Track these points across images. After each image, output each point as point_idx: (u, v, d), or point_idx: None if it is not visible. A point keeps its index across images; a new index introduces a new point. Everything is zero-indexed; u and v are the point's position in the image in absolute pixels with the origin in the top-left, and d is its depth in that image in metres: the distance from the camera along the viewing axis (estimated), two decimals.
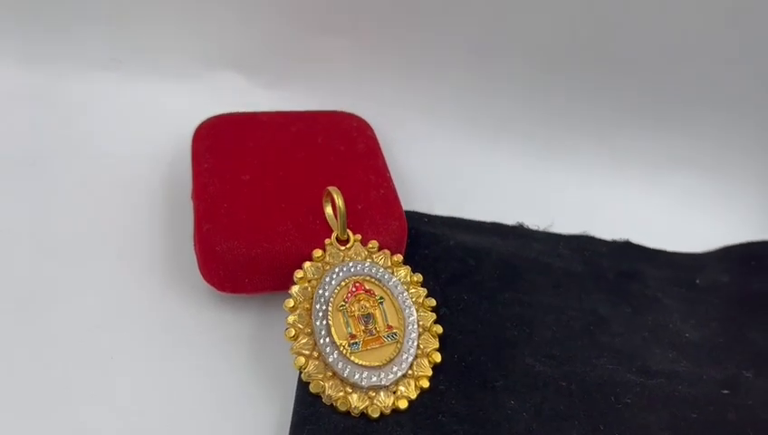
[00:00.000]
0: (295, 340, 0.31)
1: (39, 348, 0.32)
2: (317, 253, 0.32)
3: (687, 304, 0.38)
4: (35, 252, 0.36)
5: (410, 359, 0.31)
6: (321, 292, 0.31)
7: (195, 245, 0.34)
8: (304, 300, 0.31)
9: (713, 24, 0.39)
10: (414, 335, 0.32)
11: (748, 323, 0.37)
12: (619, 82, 0.42)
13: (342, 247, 0.33)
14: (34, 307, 0.34)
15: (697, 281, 0.39)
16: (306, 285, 0.32)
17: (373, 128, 0.40)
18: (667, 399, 0.32)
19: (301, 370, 0.30)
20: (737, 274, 0.39)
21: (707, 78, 0.41)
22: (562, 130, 0.43)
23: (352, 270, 0.32)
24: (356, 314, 0.31)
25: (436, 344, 0.32)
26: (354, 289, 0.32)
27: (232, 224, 0.33)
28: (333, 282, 0.32)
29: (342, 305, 0.31)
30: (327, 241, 0.33)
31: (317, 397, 0.30)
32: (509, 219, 0.41)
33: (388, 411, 0.30)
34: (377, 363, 0.31)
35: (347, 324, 0.31)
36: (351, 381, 0.30)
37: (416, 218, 0.38)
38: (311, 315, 0.31)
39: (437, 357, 0.32)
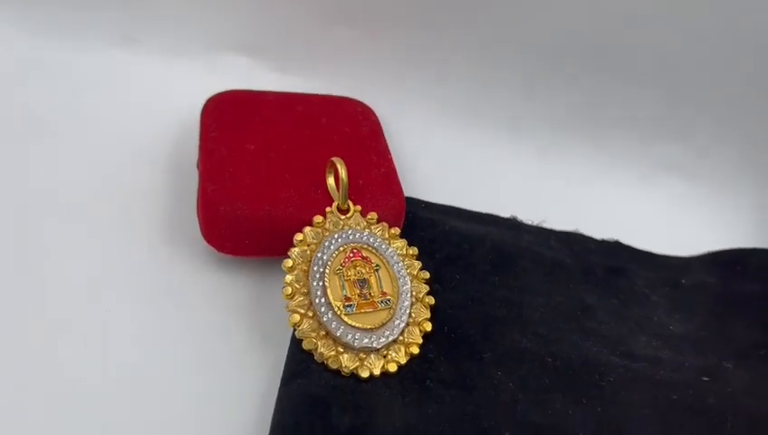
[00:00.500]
0: (291, 298, 0.31)
1: (36, 296, 0.33)
2: (317, 219, 0.33)
3: (673, 301, 0.39)
4: (40, 208, 0.37)
5: (402, 325, 0.32)
6: (319, 255, 0.32)
7: (198, 207, 0.35)
8: (302, 262, 0.32)
9: (707, 34, 0.41)
10: (407, 304, 0.32)
11: (730, 320, 0.38)
12: (618, 87, 0.43)
13: (343, 217, 0.34)
14: (35, 259, 0.35)
15: (683, 281, 0.40)
16: (305, 248, 0.33)
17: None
18: (648, 380, 0.32)
19: (295, 327, 0.31)
20: (722, 277, 0.40)
21: (701, 87, 0.42)
22: (560, 130, 0.45)
23: (351, 238, 0.33)
24: (352, 278, 0.32)
25: (428, 315, 0.33)
26: (352, 255, 0.33)
27: (236, 186, 0.34)
28: (332, 247, 0.33)
29: (339, 269, 0.32)
30: (328, 209, 0.34)
31: (309, 354, 0.31)
32: (503, 213, 0.42)
33: (377, 373, 0.31)
34: (369, 326, 0.31)
35: (342, 287, 0.32)
36: (344, 341, 0.31)
37: (414, 203, 0.39)
38: (308, 277, 0.32)
39: (428, 326, 0.33)
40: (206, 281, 0.35)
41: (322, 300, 0.31)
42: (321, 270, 0.32)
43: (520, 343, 0.33)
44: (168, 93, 0.44)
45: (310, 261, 0.32)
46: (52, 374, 0.31)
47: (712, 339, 0.36)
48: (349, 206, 0.34)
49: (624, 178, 0.45)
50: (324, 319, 0.31)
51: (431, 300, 0.33)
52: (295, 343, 0.31)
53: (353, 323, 0.31)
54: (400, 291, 0.33)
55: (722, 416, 0.32)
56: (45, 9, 0.45)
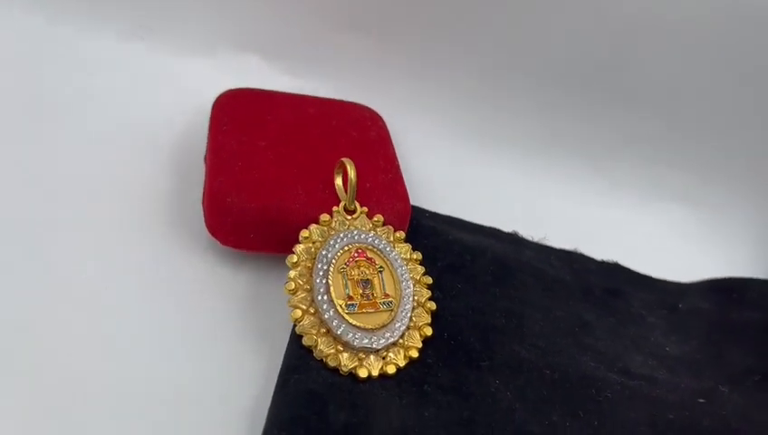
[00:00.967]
0: (294, 294, 0.31)
1: (35, 277, 0.33)
2: (324, 217, 0.33)
3: (669, 324, 0.39)
4: (45, 194, 0.37)
5: (402, 328, 0.32)
6: (324, 253, 0.32)
7: (203, 199, 0.35)
8: (307, 259, 0.32)
9: (709, 61, 0.41)
10: (408, 307, 0.32)
11: (726, 346, 0.38)
12: (620, 111, 0.44)
13: (349, 217, 0.34)
14: (37, 240, 0.34)
15: (680, 305, 0.40)
16: (310, 245, 0.33)
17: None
18: (645, 399, 0.33)
19: (296, 323, 0.31)
20: (718, 303, 0.41)
21: (702, 113, 0.43)
22: (562, 151, 0.45)
23: (356, 238, 0.33)
24: (355, 277, 0.32)
25: (429, 320, 0.33)
26: (356, 255, 0.33)
27: (245, 179, 0.34)
28: (337, 245, 0.33)
29: (343, 268, 0.32)
30: (335, 209, 0.34)
31: (308, 351, 0.30)
32: (504, 229, 0.42)
33: (375, 374, 0.31)
34: (370, 327, 0.31)
35: (345, 286, 0.32)
36: (344, 339, 0.31)
37: (418, 212, 0.39)
38: (311, 273, 0.32)
39: (428, 331, 0.32)
40: (206, 273, 0.35)
41: (325, 297, 0.31)
42: (326, 268, 0.32)
43: (519, 354, 0.33)
44: (179, 88, 0.44)
45: (314, 258, 0.32)
46: (52, 368, 0.30)
47: (707, 363, 0.36)
48: (356, 207, 0.34)
49: (624, 201, 0.45)
50: (326, 316, 0.31)
51: (432, 305, 0.33)
52: (295, 338, 0.31)
53: (354, 323, 0.31)
54: (403, 294, 0.33)
55: None
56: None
